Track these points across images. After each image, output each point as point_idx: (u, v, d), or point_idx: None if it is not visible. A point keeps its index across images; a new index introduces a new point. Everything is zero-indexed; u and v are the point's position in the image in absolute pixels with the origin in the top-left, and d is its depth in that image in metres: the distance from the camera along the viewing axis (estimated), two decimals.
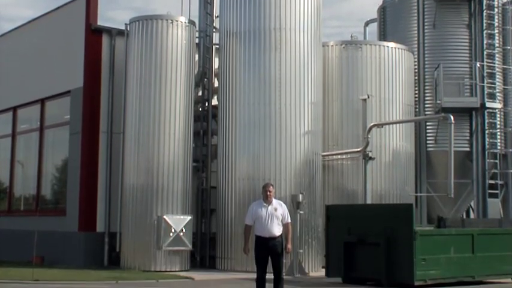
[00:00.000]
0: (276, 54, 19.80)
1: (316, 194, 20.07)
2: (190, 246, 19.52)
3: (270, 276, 12.39)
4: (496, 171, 24.20)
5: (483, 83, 24.05)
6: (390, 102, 22.16)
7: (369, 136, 20.82)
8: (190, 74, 20.37)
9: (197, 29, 21.32)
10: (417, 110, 24.09)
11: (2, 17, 69.58)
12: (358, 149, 21.04)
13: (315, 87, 20.33)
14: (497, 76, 24.73)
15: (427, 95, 24.34)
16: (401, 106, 22.50)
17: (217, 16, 21.71)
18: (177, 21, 20.08)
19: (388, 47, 22.55)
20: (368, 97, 21.28)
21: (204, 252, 20.93)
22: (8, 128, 25.44)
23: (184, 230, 19.20)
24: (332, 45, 22.30)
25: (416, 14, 24.88)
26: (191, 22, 20.63)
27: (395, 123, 22.08)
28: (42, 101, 23.51)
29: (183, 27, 20.13)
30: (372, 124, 21.00)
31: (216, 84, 21.51)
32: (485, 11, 24.56)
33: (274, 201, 12.69)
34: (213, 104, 21.66)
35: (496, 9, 24.92)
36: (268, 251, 12.38)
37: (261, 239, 12.42)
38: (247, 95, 19.88)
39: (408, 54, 23.20)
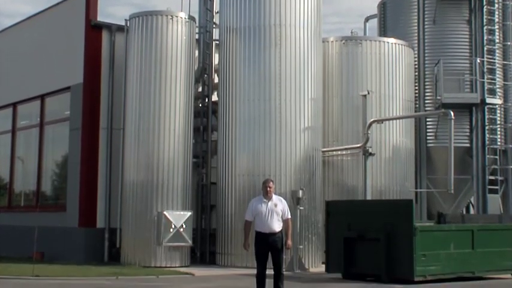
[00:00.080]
0: (276, 50, 19.79)
1: (316, 189, 20.08)
2: (190, 242, 19.54)
3: (270, 272, 12.40)
4: (496, 167, 24.19)
5: (483, 78, 24.03)
6: (390, 98, 22.16)
7: (369, 132, 20.83)
8: (190, 70, 20.37)
9: (197, 24, 21.33)
10: (417, 105, 24.09)
11: (1, 12, 69.55)
12: (358, 145, 21.04)
13: (315, 83, 20.32)
14: (498, 72, 24.70)
15: (427, 90, 24.32)
16: (402, 102, 22.49)
17: (217, 12, 21.70)
18: (177, 17, 20.07)
19: (388, 42, 22.54)
20: (368, 93, 21.29)
21: (204, 248, 20.96)
22: (8, 124, 25.45)
23: (184, 226, 19.22)
24: (332, 41, 22.29)
25: (416, 10, 24.85)
26: (191, 18, 20.62)
27: (396, 119, 22.08)
28: (42, 97, 23.51)
29: (183, 23, 20.12)
30: (372, 120, 21.00)
31: (216, 80, 21.51)
32: (485, 7, 24.53)
33: (274, 197, 12.70)
34: (213, 100, 21.67)
35: (496, 5, 24.88)
36: (268, 246, 12.38)
37: (261, 234, 12.43)
38: (247, 91, 19.88)
39: (408, 50, 23.18)
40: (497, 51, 24.77)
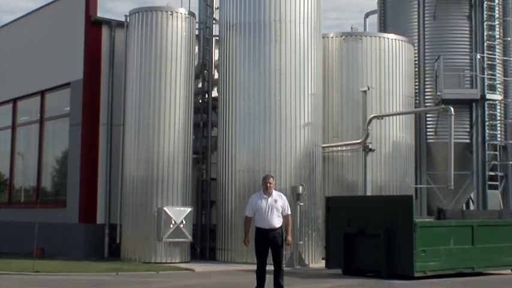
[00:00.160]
0: (276, 46, 19.78)
1: (316, 185, 20.09)
2: (190, 238, 19.54)
3: (270, 267, 12.41)
4: (496, 162, 24.20)
5: (483, 74, 24.02)
6: (390, 94, 22.15)
7: (369, 128, 20.83)
8: (190, 65, 20.35)
9: (197, 20, 21.30)
10: (417, 101, 24.08)
11: (1, 8, 69.49)
12: (358, 141, 21.04)
13: (315, 79, 20.31)
14: (498, 68, 24.69)
15: (427, 86, 24.32)
16: (402, 98, 22.49)
17: (217, 8, 21.67)
18: (176, 12, 20.05)
19: (388, 38, 22.52)
20: (368, 89, 21.28)
21: (204, 244, 20.96)
22: (8, 120, 25.45)
23: (184, 222, 19.23)
24: (332, 37, 22.28)
25: (416, 6, 24.82)
26: (191, 14, 20.60)
27: (396, 114, 22.08)
28: (42, 93, 23.51)
29: (183, 19, 20.10)
30: (372, 116, 20.99)
31: (216, 76, 21.50)
32: (485, 2, 24.50)
33: (274, 192, 12.70)
34: (213, 95, 21.66)
35: (496, 1, 24.85)
36: (268, 242, 12.39)
37: (261, 230, 12.44)
38: (247, 87, 19.87)
39: (408, 45, 23.17)
40: (497, 47, 24.76)
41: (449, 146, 20.12)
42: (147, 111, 19.58)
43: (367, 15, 28.44)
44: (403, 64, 22.62)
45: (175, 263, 18.94)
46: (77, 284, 14.84)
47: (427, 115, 24.05)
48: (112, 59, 21.09)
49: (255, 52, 19.88)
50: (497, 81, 24.53)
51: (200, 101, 21.59)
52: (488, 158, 23.97)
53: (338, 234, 16.88)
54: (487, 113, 24.12)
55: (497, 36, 24.80)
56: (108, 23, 21.29)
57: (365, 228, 16.43)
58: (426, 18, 24.62)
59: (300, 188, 18.86)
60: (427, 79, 24.30)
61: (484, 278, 16.56)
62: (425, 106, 24.07)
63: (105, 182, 20.64)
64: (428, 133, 24.03)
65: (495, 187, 24.06)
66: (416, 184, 23.32)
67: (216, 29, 21.80)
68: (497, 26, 24.89)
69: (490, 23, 24.60)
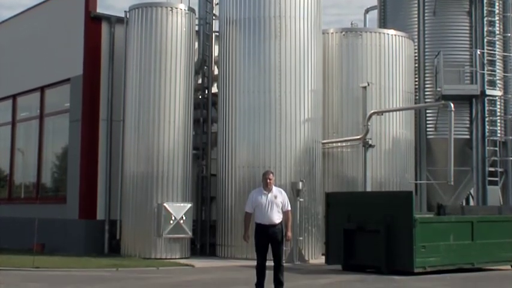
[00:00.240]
0: (276, 42, 19.77)
1: (316, 181, 20.10)
2: (190, 234, 19.56)
3: (270, 263, 12.42)
4: (495, 158, 24.21)
5: (483, 70, 24.01)
6: (390, 90, 22.14)
7: (369, 124, 20.82)
8: (190, 61, 20.35)
9: (197, 16, 21.29)
10: (417, 97, 24.07)
11: (1, 4, 69.43)
12: (358, 137, 21.04)
13: (315, 74, 20.31)
14: (498, 63, 24.68)
15: (427, 82, 24.31)
16: (402, 94, 22.48)
17: (217, 3, 21.67)
18: (176, 8, 20.04)
19: (388, 34, 22.50)
20: (368, 85, 21.27)
21: (204, 240, 20.98)
22: (7, 116, 25.45)
23: (184, 218, 19.23)
24: (332, 33, 22.25)
25: (416, 1, 24.80)
26: (191, 9, 20.59)
27: (395, 110, 22.07)
28: (42, 89, 23.50)
29: (182, 15, 20.09)
30: (372, 112, 20.99)
31: (216, 71, 21.50)
32: None
33: (274, 188, 12.69)
34: (212, 91, 21.66)
35: None
36: (268, 238, 12.39)
37: (261, 226, 12.43)
38: (247, 83, 19.87)
39: (408, 41, 23.15)
40: (497, 42, 24.75)
41: (449, 142, 20.13)
42: (147, 107, 19.58)
43: (367, 11, 28.42)
44: (403, 60, 22.61)
45: (176, 258, 18.95)
46: (77, 279, 14.84)
47: (427, 111, 24.05)
48: (112, 55, 21.08)
49: (255, 48, 19.87)
50: (497, 77, 24.52)
51: (200, 96, 21.59)
52: (488, 153, 23.98)
53: (338, 230, 16.89)
54: (487, 108, 24.12)
55: (497, 32, 24.79)
56: (108, 18, 21.27)
57: (365, 224, 16.44)
58: (426, 14, 24.60)
59: (300, 183, 18.87)
60: (427, 75, 24.29)
61: (483, 274, 16.57)
62: (425, 102, 24.07)
63: (105, 177, 20.64)
64: (428, 129, 24.03)
65: (495, 183, 24.07)
66: (416, 180, 23.32)
67: (216, 25, 21.80)
68: (497, 21, 24.87)
69: (490, 18, 24.59)
